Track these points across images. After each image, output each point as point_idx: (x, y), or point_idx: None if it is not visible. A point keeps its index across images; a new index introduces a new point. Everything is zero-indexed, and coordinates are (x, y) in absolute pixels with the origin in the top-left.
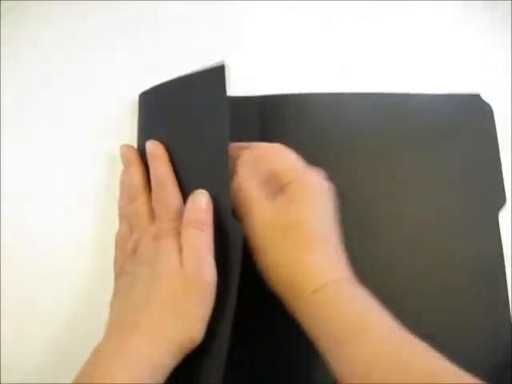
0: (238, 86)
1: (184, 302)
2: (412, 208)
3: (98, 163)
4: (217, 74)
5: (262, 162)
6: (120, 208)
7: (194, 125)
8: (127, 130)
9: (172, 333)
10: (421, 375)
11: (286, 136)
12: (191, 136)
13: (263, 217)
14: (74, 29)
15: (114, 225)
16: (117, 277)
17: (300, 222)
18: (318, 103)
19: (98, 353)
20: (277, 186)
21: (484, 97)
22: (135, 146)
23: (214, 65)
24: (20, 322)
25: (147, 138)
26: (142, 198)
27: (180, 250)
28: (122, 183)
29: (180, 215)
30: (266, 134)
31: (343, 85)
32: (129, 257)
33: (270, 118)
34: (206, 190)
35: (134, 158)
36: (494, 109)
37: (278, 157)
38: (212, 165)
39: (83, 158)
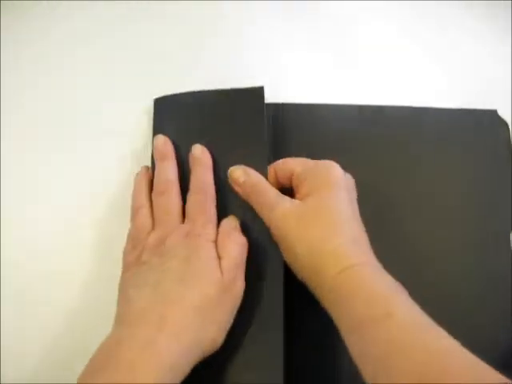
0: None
1: (216, 308)
2: (423, 222)
3: (108, 163)
4: (257, 95)
5: (279, 170)
6: (138, 197)
7: (229, 138)
8: (138, 131)
9: (198, 335)
10: (440, 361)
11: (299, 145)
12: (225, 148)
13: (284, 209)
14: (88, 28)
15: (122, 225)
16: (130, 266)
17: (321, 207)
18: (331, 114)
19: (122, 343)
20: (294, 188)
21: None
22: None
23: (254, 86)
24: (20, 322)
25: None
26: (174, 194)
27: (218, 257)
28: (144, 176)
29: (213, 223)
30: (278, 142)
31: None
32: (151, 248)
33: (284, 126)
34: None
35: (171, 152)
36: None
37: (289, 161)
38: None
39: (95, 157)
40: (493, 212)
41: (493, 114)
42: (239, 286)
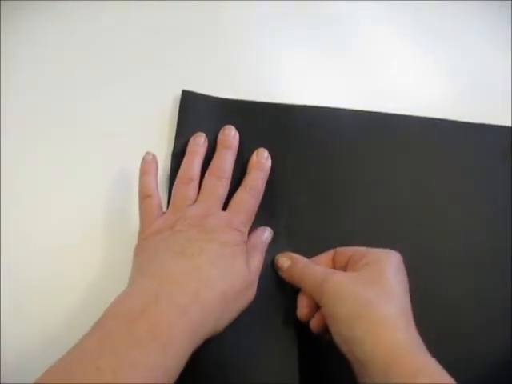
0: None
1: (235, 302)
2: (435, 238)
3: (108, 163)
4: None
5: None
6: (191, 169)
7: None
8: (137, 131)
9: (216, 320)
10: None
11: (303, 147)
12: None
13: (336, 278)
14: (88, 28)
15: (121, 223)
16: (162, 230)
17: (376, 275)
18: (342, 120)
19: (159, 301)
20: (351, 267)
21: None
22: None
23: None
24: (20, 322)
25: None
26: (226, 183)
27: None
28: (199, 151)
29: (250, 225)
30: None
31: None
32: (190, 219)
33: (283, 127)
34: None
35: (236, 146)
36: None
37: (350, 248)
38: (269, 191)
39: (94, 157)
40: (506, 230)
41: (509, 131)
42: (254, 289)
